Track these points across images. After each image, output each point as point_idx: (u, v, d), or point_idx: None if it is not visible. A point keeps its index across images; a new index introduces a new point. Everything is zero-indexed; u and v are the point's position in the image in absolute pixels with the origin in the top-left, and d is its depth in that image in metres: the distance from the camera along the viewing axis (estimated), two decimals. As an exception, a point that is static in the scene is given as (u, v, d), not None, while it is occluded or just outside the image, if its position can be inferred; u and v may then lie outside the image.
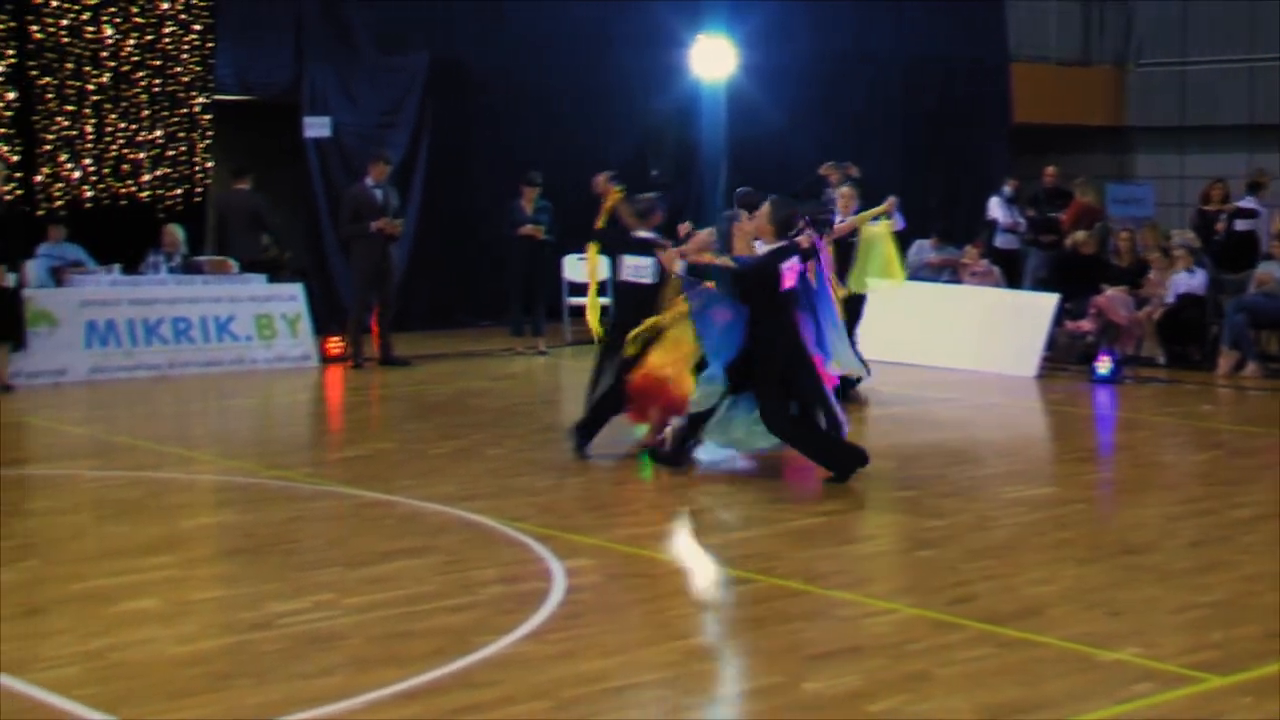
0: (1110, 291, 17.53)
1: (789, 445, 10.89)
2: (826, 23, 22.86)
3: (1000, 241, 20.40)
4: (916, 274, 19.40)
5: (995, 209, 20.80)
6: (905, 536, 9.27)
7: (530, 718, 6.08)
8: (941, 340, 17.19)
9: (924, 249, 19.78)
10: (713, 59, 20.81)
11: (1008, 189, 20.96)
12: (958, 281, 18.83)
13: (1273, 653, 6.96)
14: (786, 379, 10.73)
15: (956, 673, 6.64)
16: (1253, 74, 23.82)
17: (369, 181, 17.09)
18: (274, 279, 17.53)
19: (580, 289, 19.00)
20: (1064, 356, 17.32)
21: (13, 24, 16.97)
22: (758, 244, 10.88)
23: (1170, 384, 16.21)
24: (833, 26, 22.97)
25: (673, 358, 11.39)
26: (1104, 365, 16.14)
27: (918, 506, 10.13)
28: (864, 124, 23.04)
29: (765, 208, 10.98)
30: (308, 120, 19.13)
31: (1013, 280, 19.43)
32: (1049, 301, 17.14)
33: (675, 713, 6.32)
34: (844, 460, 10.73)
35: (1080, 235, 18.77)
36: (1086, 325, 17.45)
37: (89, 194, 17.39)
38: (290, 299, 17.22)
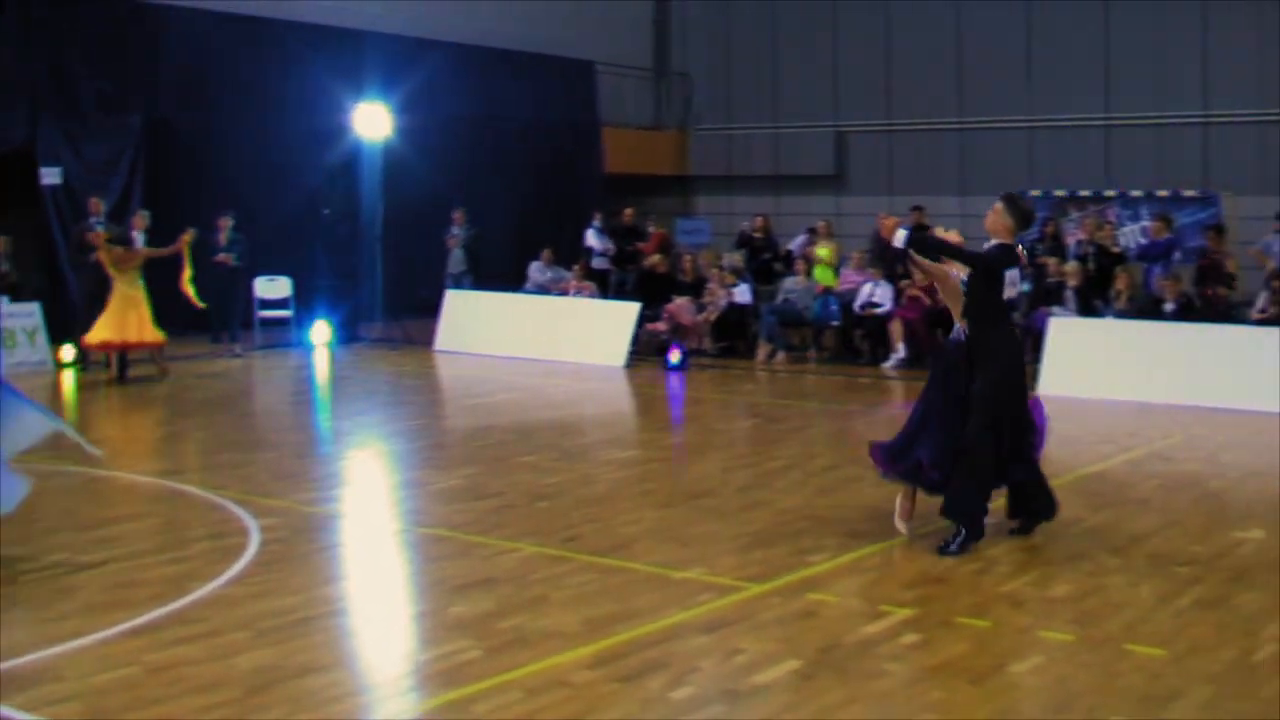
0: (678, 300, 17.93)
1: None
2: (463, 92, 22.72)
3: (595, 263, 20.65)
4: (537, 289, 19.50)
5: (591, 238, 21.06)
6: (527, 492, 9.32)
7: (234, 645, 5.94)
8: (551, 339, 17.32)
9: (539, 269, 19.90)
10: (371, 122, 20.42)
11: (597, 221, 21.25)
12: (564, 293, 18.97)
13: (795, 566, 7.29)
14: None
15: (568, 595, 6.76)
16: (777, 137, 24.75)
17: (91, 219, 16.39)
18: (15, 299, 16.55)
19: (267, 304, 18.65)
20: (645, 350, 17.52)
21: None
22: None
23: (723, 369, 16.56)
24: (467, 95, 22.83)
25: None
26: (675, 356, 16.41)
27: (537, 468, 10.17)
28: (493, 173, 22.96)
29: None
30: (43, 170, 18.08)
31: (604, 292, 19.66)
32: (633, 309, 17.34)
33: (349, 636, 6.28)
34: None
35: (655, 258, 19.15)
36: (661, 326, 17.75)
37: None
38: (29, 315, 16.34)
